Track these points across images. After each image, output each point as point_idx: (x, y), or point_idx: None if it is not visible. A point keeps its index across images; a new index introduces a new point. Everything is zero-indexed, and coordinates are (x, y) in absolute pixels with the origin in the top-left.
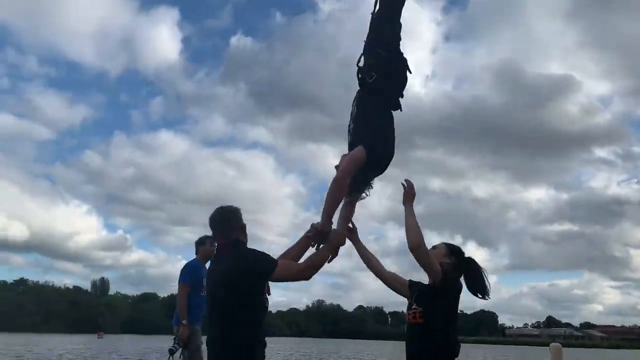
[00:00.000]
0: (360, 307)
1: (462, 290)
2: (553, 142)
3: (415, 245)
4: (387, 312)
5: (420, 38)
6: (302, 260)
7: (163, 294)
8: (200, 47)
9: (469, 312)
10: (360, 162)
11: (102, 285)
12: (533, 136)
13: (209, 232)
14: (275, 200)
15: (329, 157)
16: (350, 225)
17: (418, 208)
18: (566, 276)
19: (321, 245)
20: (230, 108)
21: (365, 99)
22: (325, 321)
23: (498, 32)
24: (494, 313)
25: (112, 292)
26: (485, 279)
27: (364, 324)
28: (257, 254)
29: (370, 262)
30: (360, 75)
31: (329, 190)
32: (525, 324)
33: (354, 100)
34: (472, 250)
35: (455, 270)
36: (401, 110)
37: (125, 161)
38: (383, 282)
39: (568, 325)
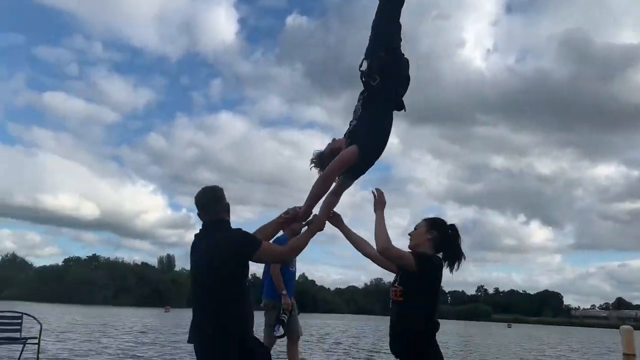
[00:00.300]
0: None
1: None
2: (623, 115)
3: (383, 248)
4: (446, 290)
5: (480, 10)
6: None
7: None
8: (256, 28)
9: (532, 292)
10: (350, 162)
11: (168, 262)
12: (602, 110)
13: (269, 212)
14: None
15: None
16: (332, 212)
17: (478, 186)
18: (638, 256)
19: (302, 229)
20: (286, 88)
21: (370, 101)
22: (384, 299)
23: (563, 0)
24: (559, 293)
25: (177, 268)
26: (459, 250)
27: None
28: (242, 234)
29: (358, 244)
30: (363, 79)
31: (314, 184)
32: (593, 305)
33: (359, 100)
34: (535, 230)
35: (439, 244)
36: (405, 110)
37: (188, 142)
38: (373, 261)
39: None
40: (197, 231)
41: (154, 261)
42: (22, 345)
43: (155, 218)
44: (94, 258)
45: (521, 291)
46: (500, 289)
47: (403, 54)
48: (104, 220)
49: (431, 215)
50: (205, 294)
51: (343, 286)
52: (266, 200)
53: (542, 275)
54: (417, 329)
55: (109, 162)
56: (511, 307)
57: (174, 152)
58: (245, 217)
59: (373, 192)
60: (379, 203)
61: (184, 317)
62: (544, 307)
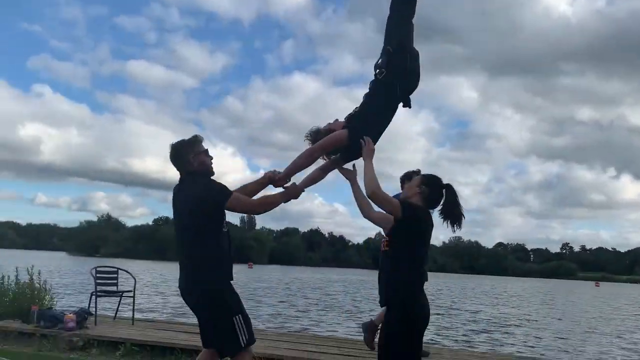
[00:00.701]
0: (499, 244)
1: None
2: None
3: (372, 191)
4: (529, 248)
5: None
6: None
7: (303, 228)
8: None
9: (622, 250)
10: (338, 144)
11: (249, 221)
12: None
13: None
14: (407, 137)
15: (464, 89)
16: (309, 185)
17: (563, 140)
18: None
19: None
20: (359, 45)
21: (373, 92)
22: (462, 257)
23: None
24: None
25: (258, 227)
26: (459, 208)
27: (504, 260)
28: (213, 184)
29: (362, 206)
30: (375, 71)
31: (299, 155)
32: None
33: (369, 88)
34: (626, 184)
35: (429, 200)
36: (410, 107)
37: (263, 104)
38: (374, 223)
39: None
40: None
41: (236, 220)
42: (119, 297)
43: (235, 179)
44: None
45: (610, 249)
46: (587, 247)
47: (413, 49)
48: None
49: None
50: (185, 242)
51: None
52: None
53: (633, 232)
54: (402, 278)
55: (190, 126)
56: (599, 265)
57: (250, 114)
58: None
59: (361, 141)
60: (369, 151)
61: (266, 273)
62: (635, 266)
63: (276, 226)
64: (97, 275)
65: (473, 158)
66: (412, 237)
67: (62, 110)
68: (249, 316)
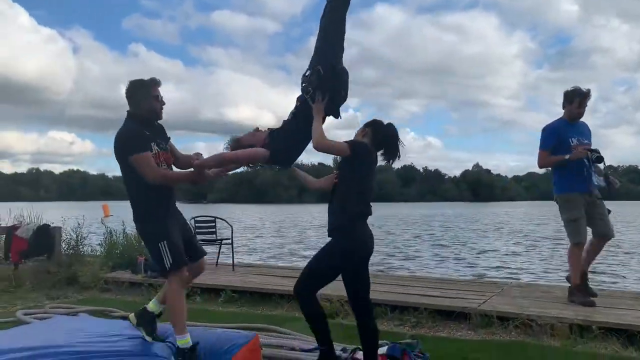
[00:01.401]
0: (609, 167)
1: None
2: None
3: (317, 142)
4: None
5: None
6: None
7: (397, 164)
8: None
9: None
10: (256, 162)
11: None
12: None
13: (436, 104)
14: (502, 61)
15: (562, 2)
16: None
17: None
18: None
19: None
20: None
21: (301, 110)
22: None
23: None
24: None
25: None
26: (396, 143)
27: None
28: (124, 134)
29: (310, 183)
30: (302, 86)
31: (217, 156)
32: None
33: (297, 100)
34: None
35: (372, 140)
36: (340, 118)
37: (347, 41)
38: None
39: None
40: None
41: (329, 161)
42: (218, 245)
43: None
44: None
45: None
46: None
47: (343, 70)
48: None
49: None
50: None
51: (521, 173)
52: (431, 91)
53: None
54: (346, 210)
55: (277, 72)
56: None
57: None
58: (411, 110)
59: (311, 100)
60: (318, 109)
61: None
62: None
63: None
64: (196, 224)
65: (575, 77)
66: (358, 170)
67: (157, 67)
68: (176, 244)
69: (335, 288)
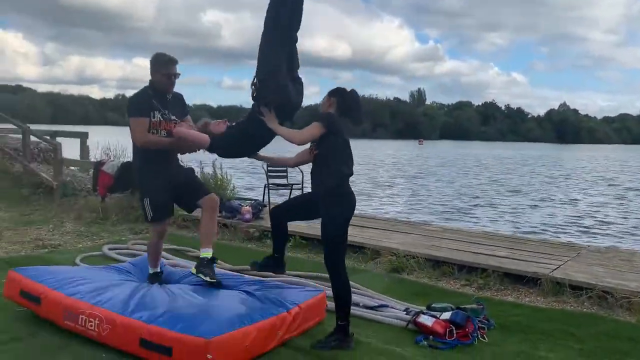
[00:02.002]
0: None
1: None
2: None
3: (299, 139)
4: None
5: None
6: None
7: (477, 101)
8: None
9: None
10: (198, 146)
11: (419, 96)
12: None
13: (523, 37)
14: None
15: None
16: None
17: None
18: None
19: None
20: None
21: (249, 114)
22: None
23: None
24: None
25: (428, 101)
26: (359, 109)
27: None
28: (133, 99)
29: (282, 161)
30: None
31: (183, 130)
32: None
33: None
34: None
35: (339, 108)
36: (292, 122)
37: None
38: (301, 164)
39: None
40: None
41: (405, 96)
42: (289, 190)
43: (403, 52)
44: None
45: None
46: None
47: (285, 85)
48: (355, 59)
49: None
50: None
51: (613, 114)
52: (519, 23)
53: None
54: (327, 181)
55: (355, 1)
56: None
57: None
58: (496, 44)
59: (261, 111)
60: (269, 120)
61: (436, 149)
62: None
63: (447, 100)
64: (268, 169)
65: None
66: (333, 142)
67: None
68: (159, 200)
69: (403, 242)
